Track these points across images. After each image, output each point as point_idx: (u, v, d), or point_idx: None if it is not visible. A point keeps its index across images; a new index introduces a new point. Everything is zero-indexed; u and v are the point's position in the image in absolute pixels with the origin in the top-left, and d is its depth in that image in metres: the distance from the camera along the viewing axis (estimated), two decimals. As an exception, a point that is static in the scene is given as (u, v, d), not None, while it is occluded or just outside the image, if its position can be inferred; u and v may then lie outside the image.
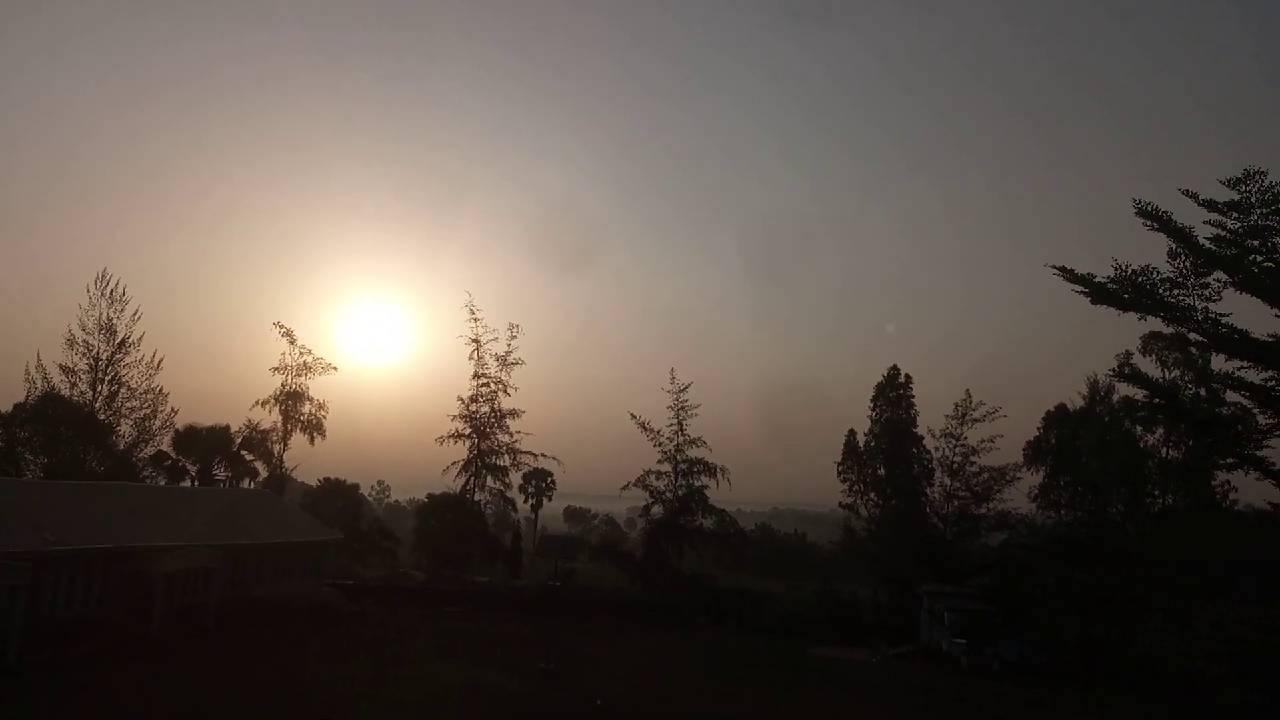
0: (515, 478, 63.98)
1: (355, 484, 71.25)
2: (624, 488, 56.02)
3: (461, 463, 59.49)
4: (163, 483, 55.33)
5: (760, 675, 31.94)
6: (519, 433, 59.80)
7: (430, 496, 66.32)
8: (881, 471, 55.68)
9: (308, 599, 40.27)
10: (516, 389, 60.03)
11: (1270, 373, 16.34)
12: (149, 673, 24.95)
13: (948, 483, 52.90)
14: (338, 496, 67.56)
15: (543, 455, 61.14)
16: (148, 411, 53.62)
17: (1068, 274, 16.42)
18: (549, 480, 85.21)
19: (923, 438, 54.89)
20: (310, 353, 61.70)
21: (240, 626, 33.63)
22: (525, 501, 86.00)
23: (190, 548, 33.56)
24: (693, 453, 55.20)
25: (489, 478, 59.96)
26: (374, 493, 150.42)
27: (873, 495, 55.73)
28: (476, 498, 60.52)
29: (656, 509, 55.99)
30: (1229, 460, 20.03)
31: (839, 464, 57.95)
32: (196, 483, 57.79)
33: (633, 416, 55.86)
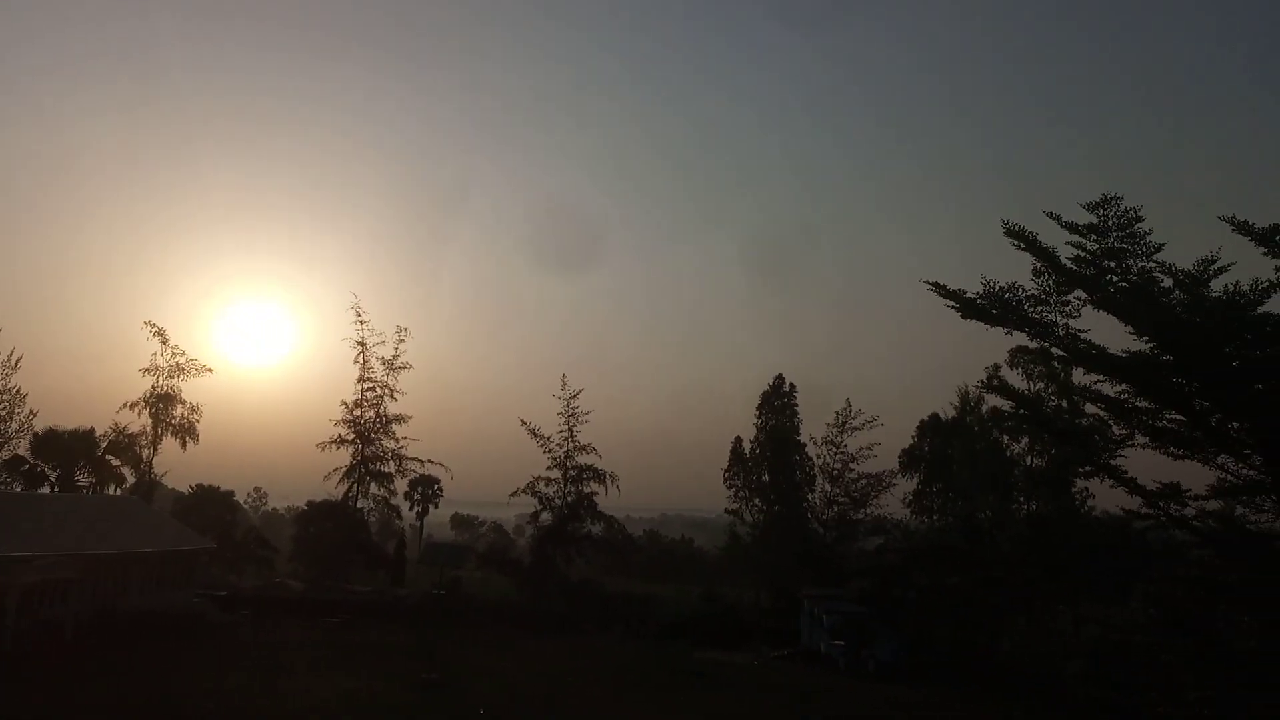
0: (400, 484, 62.77)
1: (230, 491, 68.58)
2: (513, 494, 55.58)
3: (344, 469, 57.97)
4: (19, 489, 51.97)
5: (644, 680, 32.16)
6: (405, 438, 58.69)
7: (310, 504, 64.29)
8: (766, 478, 56.92)
9: (177, 611, 38.46)
10: (404, 394, 58.90)
11: (1124, 386, 17.34)
12: (-3, 692, 23.38)
13: (828, 489, 54.59)
14: (211, 504, 64.90)
15: (429, 461, 60.18)
16: (3, 413, 50.34)
17: (940, 289, 17.13)
18: (435, 487, 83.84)
19: (805, 445, 56.44)
20: (184, 354, 59.10)
21: (103, 640, 31.85)
22: (411, 509, 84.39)
23: (47, 557, 31.61)
24: (583, 459, 55.23)
25: (373, 484, 58.62)
26: (250, 500, 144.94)
27: (757, 501, 56.92)
28: (359, 505, 59.07)
29: (546, 516, 55.77)
30: (1087, 468, 21.17)
31: (725, 470, 58.97)
32: (57, 489, 54.49)
33: (523, 423, 55.55)
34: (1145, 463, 17.81)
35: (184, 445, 58.90)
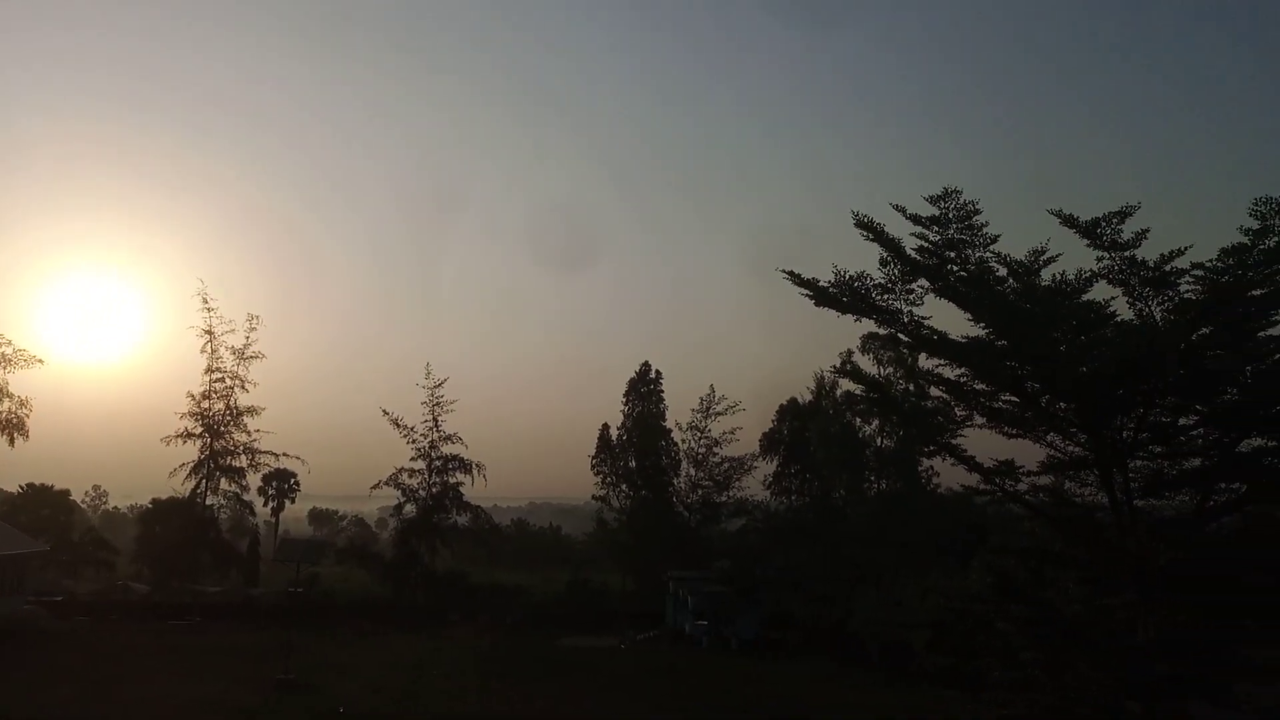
0: (254, 479, 60.10)
1: (66, 490, 64.14)
2: (374, 487, 54.20)
3: (191, 464, 55.07)
4: None
5: (510, 669, 32.04)
6: (258, 431, 56.20)
7: (155, 502, 60.84)
8: (633, 464, 57.47)
9: (5, 619, 35.75)
10: (256, 384, 56.33)
11: (963, 370, 18.29)
12: None
13: (693, 473, 55.67)
14: (43, 504, 60.63)
15: (285, 455, 57.82)
16: None
17: (794, 277, 17.65)
18: (292, 481, 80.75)
19: (671, 431, 57.30)
20: (10, 343, 54.66)
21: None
22: (265, 504, 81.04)
23: None
24: (448, 449, 54.34)
25: (223, 480, 55.92)
26: (89, 499, 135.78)
27: (624, 487, 57.43)
28: (209, 502, 56.26)
29: (409, 508, 54.63)
30: (931, 448, 22.27)
31: (593, 457, 59.22)
32: None
33: (385, 413, 54.18)
34: (983, 441, 18.92)
35: (11, 441, 54.52)
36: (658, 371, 59.46)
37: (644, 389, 59.04)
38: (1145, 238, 14.89)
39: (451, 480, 54.39)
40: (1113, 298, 15.73)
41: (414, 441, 54.01)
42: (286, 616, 43.26)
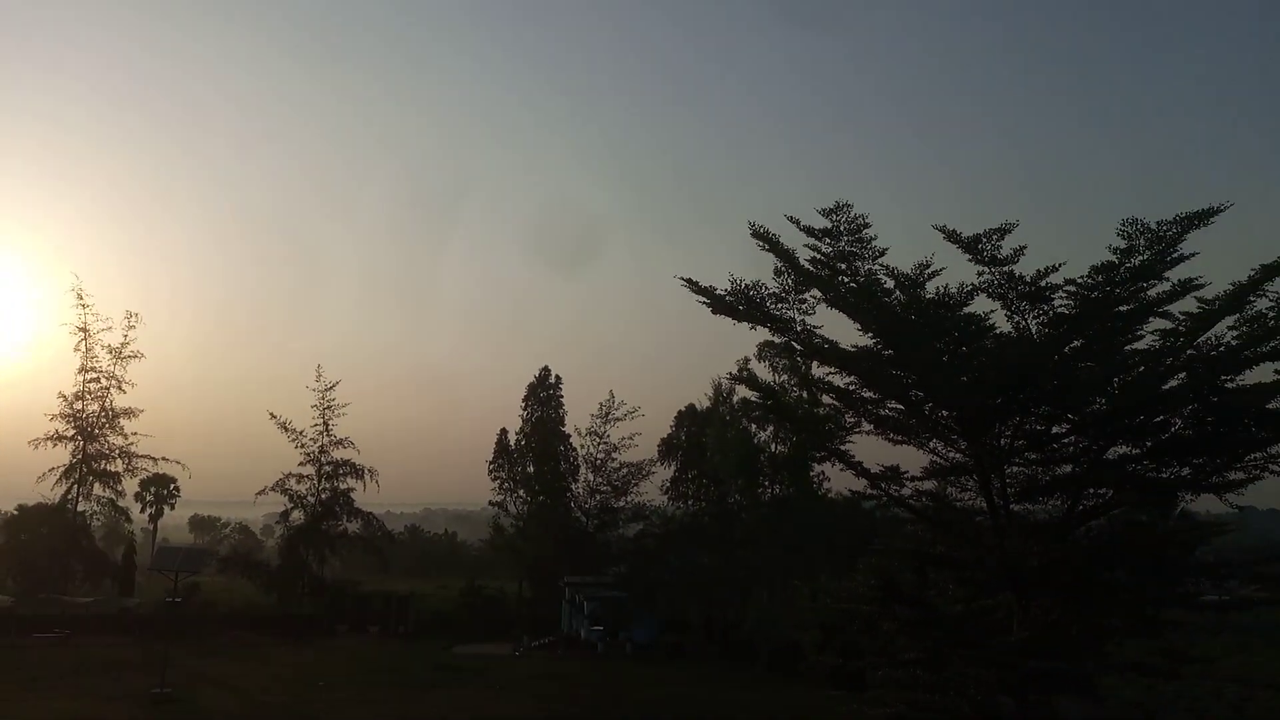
0: (130, 484, 57.34)
1: (-84, 496, 59.67)
2: (260, 493, 52.35)
3: (62, 469, 52.15)
4: None
5: (398, 679, 31.38)
6: (136, 434, 53.57)
7: (21, 508, 57.25)
8: (531, 469, 56.99)
9: None
10: (134, 385, 53.69)
11: (852, 378, 18.83)
12: None
13: (591, 478, 55.58)
14: (-110, 512, 56.19)
15: (164, 459, 55.28)
16: None
17: (692, 285, 17.86)
18: (171, 487, 77.17)
19: (570, 436, 57.09)
20: None
21: None
22: (142, 511, 77.28)
23: None
24: (340, 454, 52.90)
25: (97, 485, 53.14)
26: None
27: (521, 492, 56.87)
28: (81, 508, 53.40)
29: (297, 514, 52.97)
30: (821, 453, 22.84)
31: (490, 462, 58.46)
32: None
33: (272, 416, 52.44)
34: (871, 448, 19.50)
35: None
36: (557, 376, 59.20)
37: (543, 394, 58.63)
38: (1023, 254, 15.61)
39: (342, 486, 53.07)
40: (992, 311, 16.46)
41: (303, 446, 52.47)
42: (163, 628, 41.42)
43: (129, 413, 53.27)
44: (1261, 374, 15.73)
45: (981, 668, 16.86)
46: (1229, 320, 15.83)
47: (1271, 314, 15.46)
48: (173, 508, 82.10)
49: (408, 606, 52.14)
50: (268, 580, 52.44)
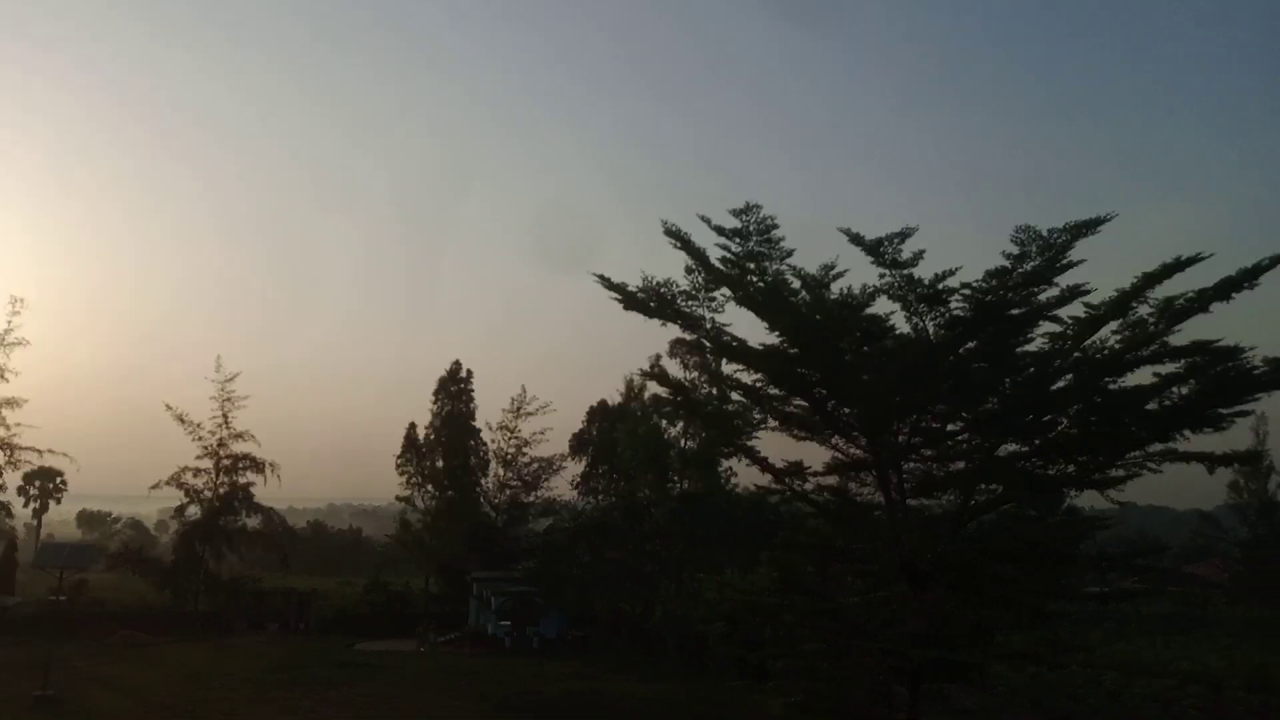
0: (13, 478, 54.40)
1: None
2: (154, 487, 50.38)
3: (-66, 462, 49.15)
4: None
5: (298, 678, 30.67)
6: (19, 425, 50.83)
7: (-112, 503, 53.84)
8: (440, 464, 56.33)
9: None
10: (17, 374, 50.89)
11: (759, 376, 19.22)
12: None
13: (501, 473, 55.25)
14: None
15: (50, 451, 52.55)
16: None
17: (605, 281, 17.96)
18: (58, 480, 73.58)
19: (480, 430, 56.63)
20: None
21: None
22: (25, 505, 73.52)
23: None
24: (239, 447, 51.26)
25: (-27, 479, 50.24)
26: None
27: (430, 487, 56.17)
28: (-45, 503, 50.47)
29: (193, 509, 51.17)
30: (729, 449, 23.23)
31: (399, 457, 57.56)
32: None
33: (168, 407, 50.53)
34: (776, 444, 19.94)
35: None
36: (469, 371, 58.62)
37: (454, 388, 57.97)
38: (922, 258, 16.14)
39: (241, 480, 51.37)
40: (892, 312, 16.98)
41: (200, 439, 50.70)
42: (47, 628, 39.58)
43: (12, 403, 50.40)
44: (1141, 376, 16.64)
45: (877, 658, 17.44)
46: (1113, 325, 16.67)
47: (1152, 320, 16.35)
48: (59, 502, 78.33)
49: (309, 603, 51.04)
50: (161, 577, 50.53)
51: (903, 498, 18.57)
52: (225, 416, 50.73)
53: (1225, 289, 15.57)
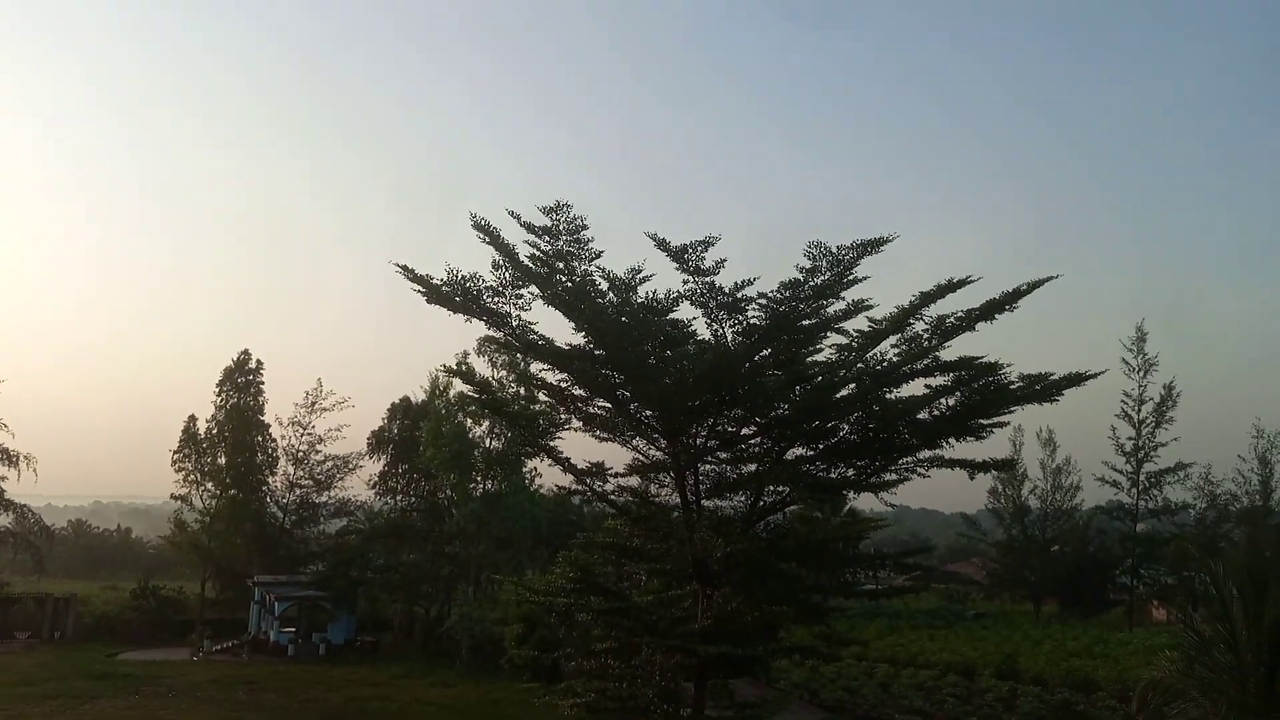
0: None
1: None
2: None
3: None
4: None
5: (50, 691, 27.86)
6: None
7: None
8: (222, 459, 52.73)
9: None
10: None
11: (564, 376, 19.25)
12: None
13: (292, 471, 52.47)
14: None
15: None
16: None
17: (408, 272, 17.44)
18: None
19: (270, 426, 53.50)
20: None
21: None
22: None
23: None
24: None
25: None
26: None
27: (210, 485, 52.42)
28: None
29: (-71, 507, 45.44)
30: (532, 449, 23.12)
31: (175, 452, 53.38)
32: None
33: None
34: (580, 445, 20.05)
35: None
36: (259, 361, 55.16)
37: (241, 379, 54.36)
38: (723, 266, 16.67)
39: (-10, 474, 46.14)
40: (694, 318, 17.46)
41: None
42: None
43: None
44: (915, 388, 17.95)
45: (667, 655, 17.85)
46: (892, 339, 17.89)
47: (926, 336, 17.66)
48: None
49: (67, 609, 46.61)
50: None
51: (698, 498, 19.13)
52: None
53: (989, 310, 17.08)
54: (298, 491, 52.55)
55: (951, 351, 17.62)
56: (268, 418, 53.49)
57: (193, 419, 53.49)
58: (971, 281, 17.03)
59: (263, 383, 54.39)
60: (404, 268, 17.73)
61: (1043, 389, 17.51)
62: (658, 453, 19.38)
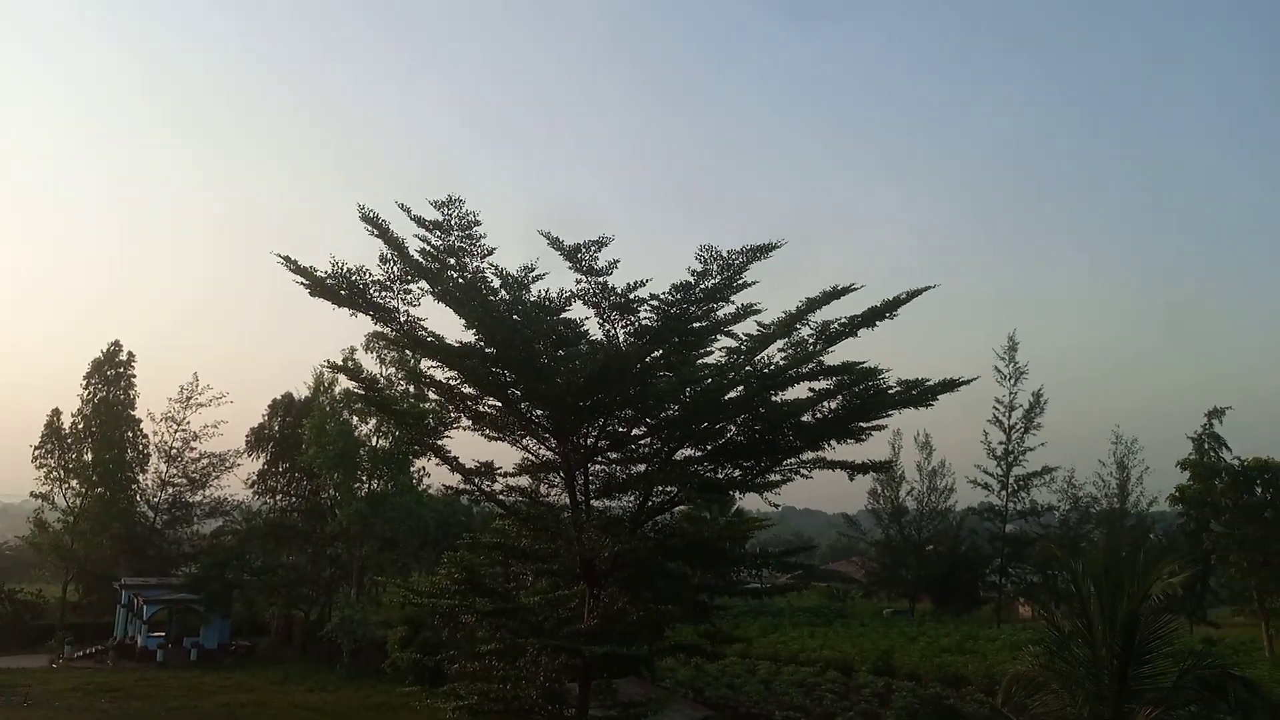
0: None
1: None
2: None
3: None
4: None
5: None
6: None
7: None
8: (89, 456, 49.96)
9: None
10: None
11: (454, 374, 18.98)
12: None
13: (164, 469, 50.20)
14: None
15: None
16: None
17: (290, 263, 16.89)
18: None
19: (141, 421, 50.97)
20: None
21: None
22: None
23: None
24: None
25: None
26: None
27: (75, 483, 49.61)
28: None
29: None
30: (420, 448, 22.73)
31: (36, 448, 50.29)
32: None
33: None
34: (469, 444, 19.79)
35: None
36: (130, 353, 52.49)
37: (111, 372, 51.62)
38: (616, 267, 16.73)
39: None
40: (587, 318, 17.46)
41: None
42: None
43: None
44: (799, 391, 18.41)
45: (553, 655, 17.80)
46: (779, 343, 18.32)
47: (811, 341, 18.14)
48: None
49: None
50: None
51: (587, 498, 19.14)
52: None
53: (871, 317, 17.68)
54: (170, 490, 50.33)
55: (835, 356, 18.17)
56: (139, 413, 51.04)
57: (56, 413, 50.62)
58: (855, 289, 17.59)
59: (134, 376, 51.92)
60: (285, 258, 17.14)
61: (919, 394, 18.25)
62: (548, 452, 19.31)
